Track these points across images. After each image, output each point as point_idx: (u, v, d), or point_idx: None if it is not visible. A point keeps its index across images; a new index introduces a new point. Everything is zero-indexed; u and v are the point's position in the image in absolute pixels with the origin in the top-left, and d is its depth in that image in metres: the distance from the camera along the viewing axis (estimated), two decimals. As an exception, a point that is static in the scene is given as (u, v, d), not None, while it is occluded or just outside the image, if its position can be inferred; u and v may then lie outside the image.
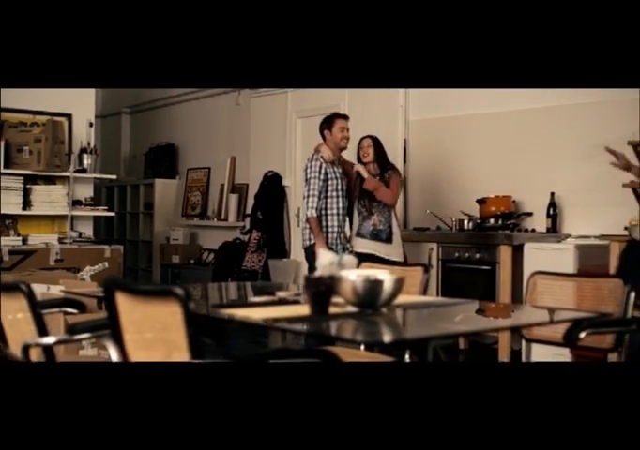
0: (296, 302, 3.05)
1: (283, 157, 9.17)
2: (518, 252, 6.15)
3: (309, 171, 5.97)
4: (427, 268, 3.86)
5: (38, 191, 7.43)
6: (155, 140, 11.46)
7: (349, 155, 6.45)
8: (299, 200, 7.20)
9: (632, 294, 3.18)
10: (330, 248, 5.78)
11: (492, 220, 6.74)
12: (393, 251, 6.06)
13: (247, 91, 9.75)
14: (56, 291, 5.01)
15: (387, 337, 2.71)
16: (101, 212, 8.30)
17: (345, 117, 6.22)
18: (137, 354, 2.45)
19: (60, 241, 7.39)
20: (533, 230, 6.70)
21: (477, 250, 6.55)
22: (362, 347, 3.72)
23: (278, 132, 9.28)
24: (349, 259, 3.25)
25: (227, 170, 10.21)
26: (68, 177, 7.57)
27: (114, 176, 8.96)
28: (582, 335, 2.83)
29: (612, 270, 5.04)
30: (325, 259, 3.18)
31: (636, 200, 5.76)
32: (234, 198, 9.97)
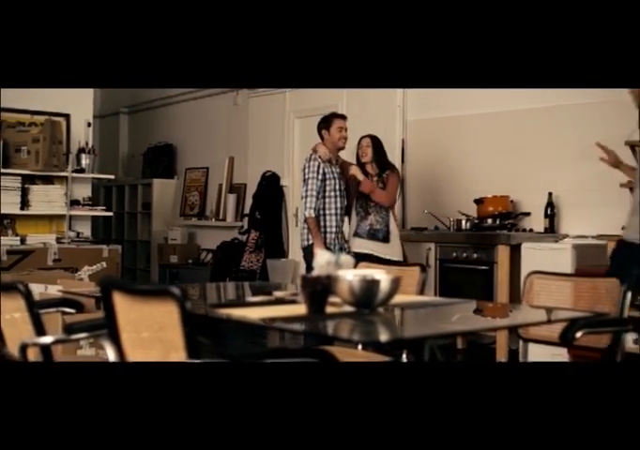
0: (293, 302, 3.05)
1: (281, 158, 9.18)
2: (516, 252, 6.16)
3: (307, 171, 5.96)
4: (424, 268, 3.87)
5: (37, 191, 7.43)
6: (153, 140, 11.46)
7: (349, 154, 6.45)
8: (297, 200, 7.21)
9: (629, 294, 3.19)
10: (328, 249, 5.78)
11: (489, 220, 6.74)
12: (391, 251, 6.06)
13: (245, 91, 9.76)
14: (54, 290, 5.01)
15: (383, 337, 2.72)
16: (99, 212, 8.31)
17: (343, 117, 6.22)
18: (134, 354, 2.45)
19: (58, 241, 7.39)
20: (531, 230, 6.71)
21: (474, 250, 6.56)
22: (360, 347, 3.72)
23: (276, 132, 9.28)
24: (346, 259, 3.25)
25: (225, 170, 10.21)
26: (67, 177, 7.57)
27: (112, 176, 8.97)
28: (578, 334, 2.83)
29: (608, 270, 5.06)
30: (322, 259, 3.18)
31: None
32: (232, 198, 9.97)
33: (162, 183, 11.07)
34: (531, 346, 3.62)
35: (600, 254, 5.50)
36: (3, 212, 7.09)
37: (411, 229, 7.36)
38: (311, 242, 5.91)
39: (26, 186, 7.37)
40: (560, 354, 4.56)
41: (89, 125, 8.08)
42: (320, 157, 5.97)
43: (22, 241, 7.26)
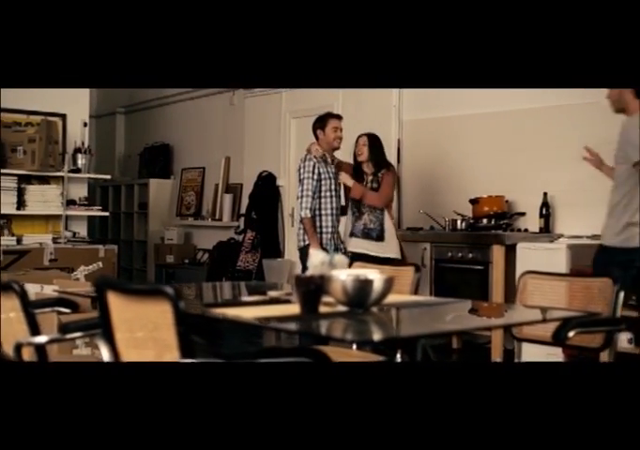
0: (287, 301, 3.06)
1: (278, 158, 9.19)
2: (511, 252, 6.17)
3: (302, 171, 5.96)
4: (418, 268, 3.87)
5: (33, 191, 7.43)
6: (149, 140, 11.46)
7: (346, 154, 6.45)
8: (293, 200, 7.23)
9: (622, 294, 3.20)
10: (324, 249, 5.78)
11: (485, 220, 6.76)
12: (386, 249, 6.06)
13: (241, 91, 9.76)
14: (50, 290, 5.01)
15: (376, 336, 2.73)
16: (96, 212, 8.32)
17: (339, 117, 6.21)
18: (128, 354, 2.46)
19: (54, 241, 7.39)
20: (526, 230, 6.72)
21: (470, 250, 6.57)
22: (354, 346, 3.73)
23: (272, 132, 9.29)
24: (340, 259, 3.28)
25: (221, 170, 10.22)
26: (63, 177, 7.57)
27: (108, 176, 8.98)
28: (571, 334, 2.85)
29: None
30: (316, 259, 3.20)
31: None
32: (228, 198, 9.98)
33: (159, 183, 11.07)
34: (527, 346, 3.64)
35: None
36: (-1, 212, 7.11)
37: (407, 229, 7.37)
38: (307, 243, 5.89)
39: (22, 186, 7.37)
40: (555, 354, 4.57)
41: (85, 125, 8.09)
42: (314, 156, 5.98)
43: (19, 241, 7.26)
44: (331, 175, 6.02)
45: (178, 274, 10.05)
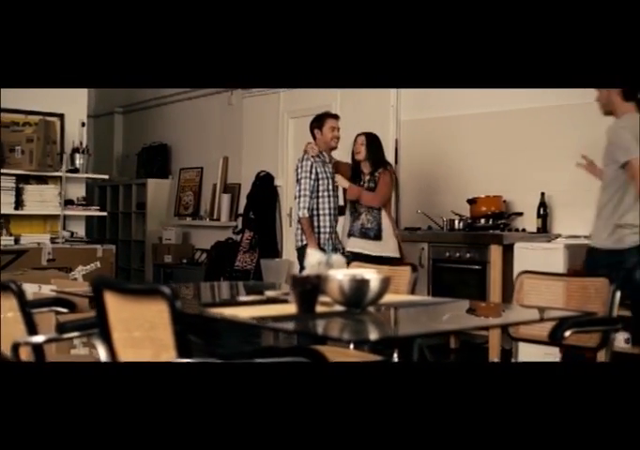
0: (283, 301, 3.06)
1: (276, 158, 9.19)
2: (508, 252, 6.17)
3: (299, 171, 5.96)
4: (415, 267, 3.88)
5: (31, 191, 7.43)
6: (147, 139, 11.46)
7: (345, 153, 6.45)
8: (291, 200, 7.22)
9: (618, 294, 3.21)
10: (322, 249, 5.79)
11: (482, 220, 6.76)
12: (384, 248, 6.04)
13: (239, 91, 9.76)
14: (47, 290, 5.01)
15: (373, 336, 2.73)
16: (94, 212, 8.31)
17: (336, 117, 6.21)
18: (125, 353, 2.46)
19: (52, 241, 7.40)
20: (523, 230, 6.73)
21: (467, 250, 6.57)
22: (351, 346, 3.74)
23: (270, 132, 9.30)
24: (337, 258, 3.28)
25: (219, 170, 10.22)
26: (61, 177, 7.58)
27: (106, 176, 8.98)
28: (567, 333, 2.86)
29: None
30: (313, 258, 3.21)
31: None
32: (226, 198, 9.98)
33: (157, 183, 11.07)
34: (524, 346, 3.65)
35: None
36: (-1, 212, 7.11)
37: (404, 229, 7.37)
38: (305, 242, 5.90)
39: (20, 185, 7.37)
40: (552, 354, 4.58)
41: (83, 125, 8.09)
42: (311, 155, 5.99)
43: (16, 241, 7.26)
44: (329, 175, 6.03)
45: (176, 274, 10.05)
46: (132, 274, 11.24)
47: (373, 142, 6.23)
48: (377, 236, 6.08)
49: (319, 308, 2.82)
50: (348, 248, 6.06)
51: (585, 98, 6.08)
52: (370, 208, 6.09)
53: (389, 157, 7.58)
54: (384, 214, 6.12)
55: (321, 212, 5.97)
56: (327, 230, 5.99)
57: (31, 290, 5.05)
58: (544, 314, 3.15)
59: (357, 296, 2.79)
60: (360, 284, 2.80)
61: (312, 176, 5.92)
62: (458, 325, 3.28)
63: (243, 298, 3.29)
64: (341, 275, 2.82)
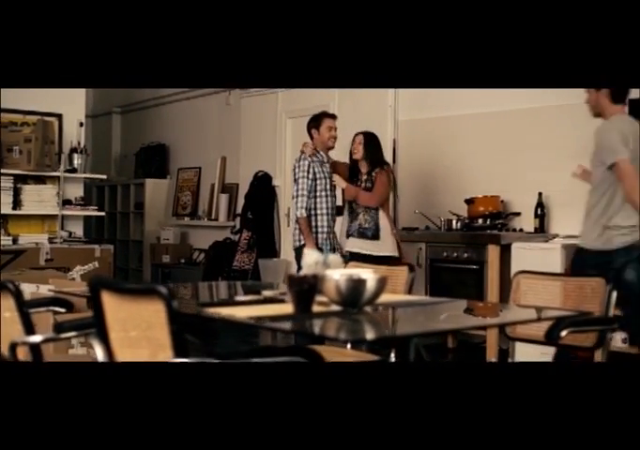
0: (281, 301, 3.07)
1: (274, 158, 9.19)
2: (506, 252, 6.18)
3: (297, 170, 5.97)
4: (412, 267, 3.89)
5: (29, 191, 7.44)
6: (145, 139, 11.46)
7: (342, 153, 6.45)
8: (289, 200, 7.23)
9: (614, 293, 3.22)
10: (320, 249, 5.78)
11: (480, 220, 6.76)
12: (381, 248, 6.03)
13: (237, 91, 9.77)
14: (45, 290, 5.01)
15: (369, 335, 2.74)
16: (92, 212, 8.32)
17: (333, 116, 6.21)
18: (123, 353, 2.47)
19: (50, 241, 7.40)
20: (521, 230, 6.74)
21: (465, 250, 6.58)
22: (349, 346, 3.75)
23: (268, 132, 9.30)
24: (334, 258, 3.29)
25: (217, 170, 10.22)
26: (59, 177, 7.58)
27: (104, 176, 8.97)
28: (563, 333, 2.86)
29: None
30: (310, 258, 3.21)
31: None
32: (224, 198, 9.99)
33: (155, 183, 11.07)
34: (522, 345, 3.65)
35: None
36: (-4, 212, 7.11)
37: (402, 229, 7.37)
38: (303, 242, 5.90)
39: (18, 185, 7.37)
40: (548, 353, 4.58)
41: (81, 125, 8.09)
42: (308, 155, 5.99)
43: (15, 241, 7.26)
44: (326, 175, 6.03)
45: (174, 274, 10.05)
46: (130, 274, 11.24)
47: (371, 141, 6.19)
48: (375, 236, 6.07)
49: (316, 308, 2.82)
50: (347, 249, 6.06)
51: (582, 99, 6.07)
52: (367, 208, 6.08)
53: (388, 157, 7.58)
54: (381, 214, 6.11)
55: (319, 212, 5.97)
56: (325, 229, 6.00)
57: (29, 290, 5.05)
58: (541, 314, 3.16)
59: (353, 296, 2.80)
60: (357, 284, 2.80)
61: (310, 176, 5.93)
62: (455, 325, 3.29)
63: (240, 298, 3.29)
64: (337, 275, 2.83)
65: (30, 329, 2.85)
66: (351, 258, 5.41)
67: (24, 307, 2.86)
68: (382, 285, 2.85)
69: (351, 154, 6.22)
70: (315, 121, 6.13)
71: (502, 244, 6.24)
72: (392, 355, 3.48)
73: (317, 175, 5.96)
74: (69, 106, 7.96)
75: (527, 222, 6.71)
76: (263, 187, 9.09)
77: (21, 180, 7.43)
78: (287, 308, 2.82)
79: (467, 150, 7.29)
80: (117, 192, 11.63)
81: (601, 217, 4.55)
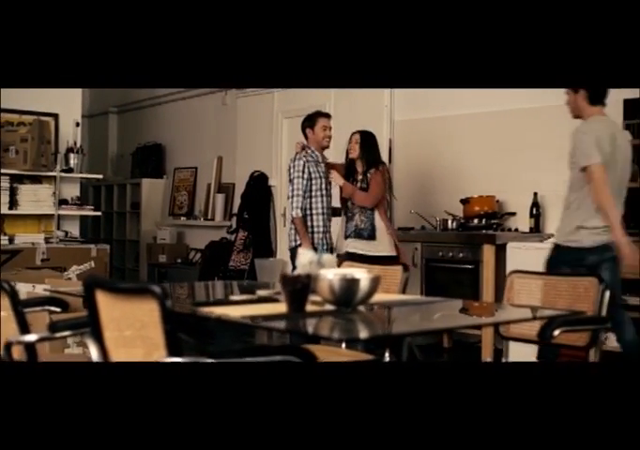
0: (275, 300, 3.08)
1: (270, 158, 9.20)
2: (501, 252, 6.20)
3: (292, 171, 5.96)
4: (406, 267, 3.90)
5: (25, 191, 7.43)
6: (142, 139, 11.47)
7: (339, 153, 6.45)
8: (285, 200, 7.25)
9: (607, 293, 3.23)
10: (316, 249, 5.78)
11: (475, 220, 6.79)
12: (378, 248, 6.02)
13: (233, 91, 9.78)
14: (41, 290, 5.02)
15: (363, 334, 2.75)
16: (88, 211, 8.31)
17: (328, 116, 6.19)
18: (117, 352, 2.48)
19: (46, 240, 7.39)
20: (516, 229, 6.76)
21: (460, 250, 6.60)
22: (343, 345, 3.76)
23: (264, 132, 9.31)
24: (328, 258, 3.29)
25: (214, 169, 10.23)
26: (55, 177, 7.57)
27: (100, 176, 8.97)
28: (556, 332, 2.88)
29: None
30: (304, 258, 3.22)
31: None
32: (220, 197, 10.00)
33: (151, 182, 11.08)
34: (515, 345, 3.66)
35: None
36: (-9, 211, 7.11)
37: (398, 229, 7.38)
38: (298, 243, 5.91)
39: (15, 185, 7.36)
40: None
41: (78, 124, 8.08)
42: (296, 152, 5.99)
43: (11, 241, 7.25)
44: (322, 175, 6.02)
45: (171, 273, 10.05)
46: (127, 273, 11.25)
47: (368, 140, 6.16)
48: (371, 236, 6.07)
49: (310, 307, 2.83)
50: (345, 249, 6.05)
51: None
52: (363, 208, 6.06)
53: (384, 156, 7.58)
54: (377, 214, 6.10)
55: (314, 211, 5.97)
56: (321, 229, 6.00)
57: (25, 289, 5.06)
58: (534, 313, 3.18)
59: (347, 295, 2.81)
60: (350, 283, 2.81)
61: (305, 176, 5.92)
62: (448, 324, 3.30)
63: (235, 297, 3.30)
64: (331, 274, 2.84)
65: (25, 328, 2.86)
66: (349, 258, 5.41)
67: (19, 307, 2.87)
68: (375, 284, 2.86)
69: (347, 153, 6.20)
70: (310, 120, 6.12)
71: (497, 244, 6.26)
72: (387, 355, 3.49)
73: (312, 175, 5.95)
74: (66, 106, 7.95)
75: (523, 222, 6.73)
76: (259, 187, 9.10)
77: (17, 180, 7.41)
78: (281, 308, 2.83)
79: (463, 150, 7.31)
80: (114, 192, 11.63)
81: (575, 217, 4.64)
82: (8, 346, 2.81)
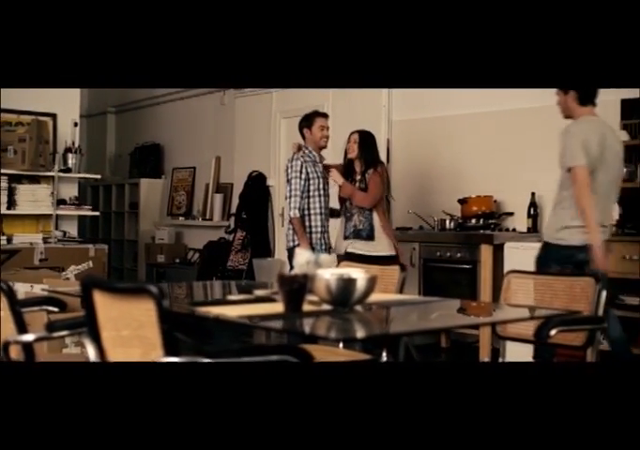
0: (272, 300, 3.09)
1: (268, 158, 9.20)
2: (499, 251, 6.20)
3: (289, 171, 5.95)
4: (404, 267, 3.90)
5: (23, 191, 7.42)
6: (140, 139, 11.47)
7: (337, 153, 6.45)
8: (283, 200, 7.24)
9: (604, 293, 3.24)
10: (314, 249, 5.78)
11: (473, 220, 6.79)
12: (377, 248, 6.00)
13: (232, 91, 9.78)
14: (39, 289, 5.02)
15: (359, 334, 2.76)
16: (86, 211, 8.30)
17: (325, 115, 6.18)
18: (115, 352, 2.48)
19: (45, 240, 7.38)
20: (514, 229, 6.77)
21: (458, 250, 6.60)
22: (341, 345, 3.76)
23: (262, 132, 9.31)
24: (326, 258, 3.30)
25: (212, 169, 10.24)
26: (53, 177, 7.57)
27: (98, 176, 8.96)
28: (552, 332, 2.88)
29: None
30: (302, 258, 3.23)
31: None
32: (218, 197, 10.00)
33: (149, 182, 11.08)
34: (512, 344, 3.67)
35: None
36: (-11, 211, 7.11)
37: (396, 228, 7.38)
38: (296, 243, 5.90)
39: (13, 185, 7.35)
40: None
41: (76, 124, 8.08)
42: (293, 152, 5.99)
43: (9, 241, 7.24)
44: (319, 175, 6.01)
45: (169, 273, 10.06)
46: (125, 274, 11.25)
47: (366, 139, 6.11)
48: (370, 236, 6.05)
49: (307, 307, 2.84)
50: (345, 250, 6.04)
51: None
52: (361, 209, 6.04)
53: (382, 157, 7.59)
54: (375, 214, 6.08)
55: (312, 212, 5.96)
56: (319, 229, 5.99)
57: (23, 289, 5.07)
58: (531, 313, 3.19)
59: (343, 295, 2.81)
60: (347, 283, 2.82)
61: (303, 176, 5.91)
62: (445, 323, 3.31)
63: (232, 297, 3.30)
64: (328, 274, 2.85)
65: (23, 328, 2.86)
66: (348, 258, 5.41)
67: (17, 306, 2.88)
68: (372, 284, 2.86)
69: (346, 153, 6.17)
70: (307, 120, 6.11)
71: (495, 243, 6.26)
72: (384, 355, 3.49)
73: (310, 175, 5.95)
74: (64, 106, 7.95)
75: (520, 222, 6.74)
76: (257, 187, 9.10)
77: (15, 180, 7.41)
78: (278, 308, 2.84)
79: (461, 150, 7.32)
80: (112, 192, 11.63)
81: (562, 216, 4.68)
82: (6, 346, 2.81)
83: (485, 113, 7.13)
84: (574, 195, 4.58)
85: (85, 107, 10.58)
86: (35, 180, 7.58)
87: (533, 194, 6.58)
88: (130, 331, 2.38)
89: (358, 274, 2.87)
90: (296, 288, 2.78)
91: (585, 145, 4.53)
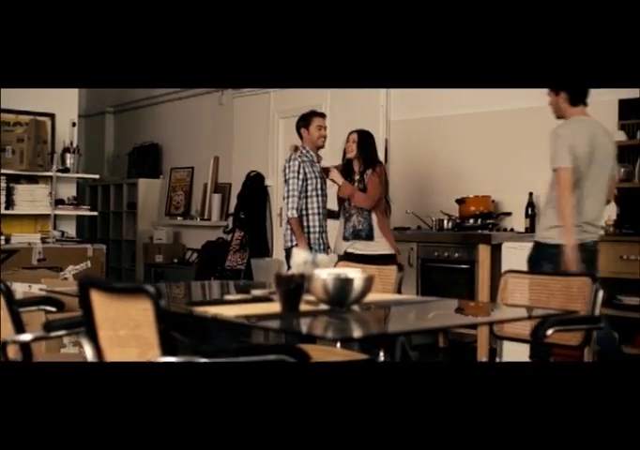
0: (269, 300, 3.09)
1: (266, 157, 9.21)
2: (497, 251, 6.21)
3: (287, 171, 5.95)
4: (401, 267, 3.91)
5: (21, 191, 7.43)
6: (138, 139, 11.47)
7: (336, 153, 6.45)
8: (282, 200, 7.24)
9: (601, 292, 3.25)
10: (312, 249, 5.78)
11: (471, 220, 6.80)
12: (375, 248, 6.00)
13: (230, 91, 9.78)
14: (37, 289, 5.03)
15: (356, 333, 2.76)
16: (84, 211, 8.30)
17: (322, 115, 6.17)
18: (112, 352, 2.48)
19: (43, 240, 7.38)
20: (512, 229, 6.77)
21: (456, 250, 6.60)
22: (338, 344, 3.77)
23: (261, 132, 9.31)
24: (323, 258, 3.30)
25: (210, 169, 10.24)
26: (51, 177, 7.58)
27: (96, 176, 8.96)
28: (549, 332, 2.89)
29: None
30: (299, 258, 3.23)
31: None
32: (217, 197, 10.00)
33: (148, 182, 11.08)
34: (511, 345, 3.68)
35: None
36: (-12, 212, 7.11)
37: (394, 228, 7.38)
38: (295, 243, 5.89)
39: (11, 185, 7.36)
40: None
41: (74, 124, 8.08)
42: (294, 154, 5.99)
43: (7, 240, 7.24)
44: (317, 175, 6.01)
45: (167, 273, 10.06)
46: (123, 273, 11.25)
47: (365, 139, 6.09)
48: (369, 237, 6.03)
49: (304, 307, 2.84)
50: (343, 250, 6.04)
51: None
52: (360, 210, 6.03)
53: (380, 157, 7.60)
54: (374, 214, 6.08)
55: (310, 212, 5.96)
56: (317, 229, 5.99)
57: (21, 289, 5.07)
58: (527, 312, 3.19)
59: (340, 295, 2.82)
60: (344, 283, 2.82)
61: (301, 176, 5.91)
62: (442, 323, 3.31)
63: (229, 297, 3.31)
64: (325, 274, 2.85)
65: (20, 328, 2.87)
66: (347, 258, 5.41)
67: (15, 306, 2.88)
68: (369, 284, 2.87)
69: (344, 153, 6.15)
70: (304, 120, 6.10)
71: (493, 243, 6.27)
72: (381, 354, 3.50)
73: (308, 175, 5.94)
74: (62, 106, 7.95)
75: (518, 222, 6.74)
76: (255, 187, 9.10)
77: (13, 180, 7.41)
78: (276, 307, 2.84)
79: (459, 150, 7.32)
80: (110, 192, 11.63)
81: (552, 216, 4.69)
82: (4, 345, 2.82)
83: (483, 114, 7.13)
84: (557, 195, 4.59)
85: (84, 107, 10.58)
86: (33, 180, 7.58)
87: (531, 194, 6.59)
88: (128, 331, 2.39)
89: (355, 274, 2.88)
90: (293, 288, 2.78)
91: (572, 146, 4.55)
